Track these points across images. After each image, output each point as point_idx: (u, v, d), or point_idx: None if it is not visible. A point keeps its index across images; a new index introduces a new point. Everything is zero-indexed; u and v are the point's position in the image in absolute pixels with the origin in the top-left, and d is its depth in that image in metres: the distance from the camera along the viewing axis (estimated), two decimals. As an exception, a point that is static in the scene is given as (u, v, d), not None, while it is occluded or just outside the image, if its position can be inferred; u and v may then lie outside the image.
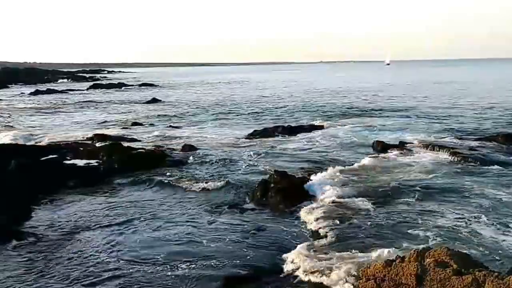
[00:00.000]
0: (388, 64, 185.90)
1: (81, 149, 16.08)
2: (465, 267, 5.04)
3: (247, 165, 14.04)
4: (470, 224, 8.41)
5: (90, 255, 7.60)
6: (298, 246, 7.56)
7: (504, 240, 7.64)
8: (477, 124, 21.93)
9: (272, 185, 10.99)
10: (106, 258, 7.43)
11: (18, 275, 6.89)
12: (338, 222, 8.69)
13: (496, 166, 12.82)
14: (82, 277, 6.79)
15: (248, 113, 29.22)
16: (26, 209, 9.91)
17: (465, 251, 5.88)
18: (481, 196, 10.15)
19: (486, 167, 12.75)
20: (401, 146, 15.90)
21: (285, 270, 6.87)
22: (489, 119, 23.22)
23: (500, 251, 7.20)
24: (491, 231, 8.08)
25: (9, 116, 28.35)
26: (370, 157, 14.56)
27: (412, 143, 16.36)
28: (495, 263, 6.45)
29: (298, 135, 19.59)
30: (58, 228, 8.92)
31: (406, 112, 27.37)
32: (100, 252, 7.69)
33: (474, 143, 16.28)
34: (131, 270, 6.96)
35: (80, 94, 49.81)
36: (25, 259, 7.48)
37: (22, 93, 49.51)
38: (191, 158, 15.06)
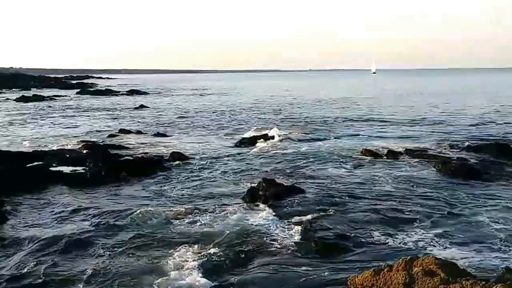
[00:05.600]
0: (375, 73, 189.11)
1: (68, 156, 15.91)
2: (453, 276, 5.07)
3: (236, 172, 14.01)
4: (456, 236, 8.43)
5: (62, 260, 7.48)
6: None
7: (489, 251, 7.67)
8: (466, 133, 21.96)
9: (260, 192, 10.97)
10: (80, 268, 7.27)
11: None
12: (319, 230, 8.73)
13: (486, 177, 12.66)
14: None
15: (236, 121, 29.20)
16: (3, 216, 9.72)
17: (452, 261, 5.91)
18: (468, 208, 10.09)
19: (476, 178, 12.55)
20: (389, 154, 15.95)
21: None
22: (479, 128, 23.36)
23: (484, 261, 7.22)
24: (477, 243, 8.09)
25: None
26: (357, 165, 14.63)
27: (401, 152, 16.41)
28: (481, 273, 6.47)
29: (285, 142, 19.61)
30: (36, 235, 8.71)
31: (389, 121, 27.54)
32: (73, 261, 7.53)
33: (464, 153, 16.17)
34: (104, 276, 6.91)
35: (67, 100, 49.35)
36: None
37: (7, 99, 48.87)
38: (179, 165, 14.98)
